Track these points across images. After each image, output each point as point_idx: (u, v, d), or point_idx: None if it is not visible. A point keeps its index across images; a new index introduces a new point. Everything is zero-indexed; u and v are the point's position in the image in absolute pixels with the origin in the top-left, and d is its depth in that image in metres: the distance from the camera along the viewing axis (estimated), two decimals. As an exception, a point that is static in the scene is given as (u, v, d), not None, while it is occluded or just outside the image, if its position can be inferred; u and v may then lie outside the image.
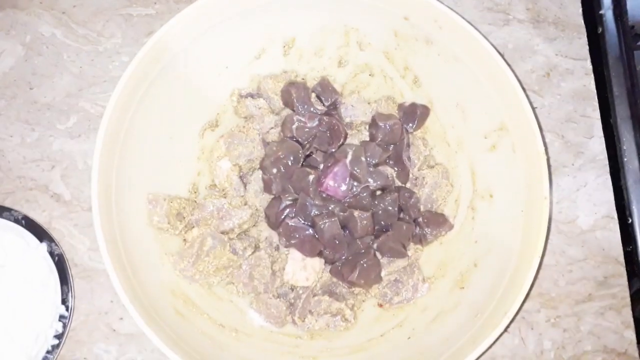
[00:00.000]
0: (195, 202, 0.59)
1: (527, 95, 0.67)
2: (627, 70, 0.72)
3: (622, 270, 0.64)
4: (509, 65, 0.52)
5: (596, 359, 0.61)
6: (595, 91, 0.70)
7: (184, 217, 0.56)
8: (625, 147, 0.69)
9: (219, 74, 0.59)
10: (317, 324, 0.56)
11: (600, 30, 0.74)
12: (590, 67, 0.71)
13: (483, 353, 0.47)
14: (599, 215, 0.66)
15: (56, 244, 0.56)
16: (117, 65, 0.67)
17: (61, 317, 0.54)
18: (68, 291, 0.55)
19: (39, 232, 0.56)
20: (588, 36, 0.72)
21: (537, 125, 0.49)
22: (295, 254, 0.57)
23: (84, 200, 0.62)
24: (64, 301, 0.55)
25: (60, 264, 0.55)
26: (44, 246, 0.56)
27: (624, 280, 0.64)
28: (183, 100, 0.58)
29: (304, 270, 0.56)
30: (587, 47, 0.72)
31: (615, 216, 0.66)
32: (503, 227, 0.53)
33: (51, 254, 0.56)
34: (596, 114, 0.69)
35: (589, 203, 0.66)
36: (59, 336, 0.54)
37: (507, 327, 0.51)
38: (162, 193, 0.56)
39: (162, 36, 0.52)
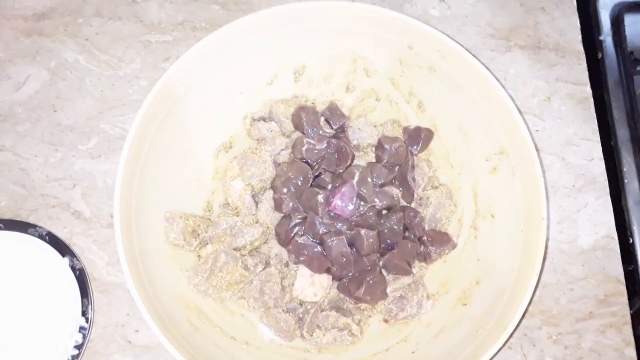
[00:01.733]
0: (210, 220, 0.62)
1: (527, 119, 0.71)
2: (626, 94, 0.75)
3: (623, 289, 0.66)
4: (507, 92, 0.55)
5: (597, 376, 0.64)
6: (595, 115, 0.73)
7: (199, 234, 0.59)
8: (625, 169, 0.71)
9: (233, 99, 0.63)
10: (324, 338, 0.59)
11: (600, 55, 0.77)
12: (590, 91, 0.74)
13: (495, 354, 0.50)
14: (599, 235, 0.68)
15: (77, 259, 0.60)
16: (136, 90, 0.71)
17: (81, 328, 0.57)
18: (88, 304, 0.58)
19: (62, 248, 0.60)
20: (587, 62, 0.76)
21: (535, 150, 0.52)
22: (304, 271, 0.60)
23: (103, 218, 0.66)
24: (84, 313, 0.58)
25: (81, 277, 0.59)
26: (66, 261, 0.59)
27: (624, 298, 0.66)
28: (199, 124, 0.61)
29: (312, 286, 0.59)
30: (587, 73, 0.75)
31: (616, 236, 0.68)
32: (503, 246, 0.56)
33: (72, 268, 0.59)
34: (596, 137, 0.72)
35: (589, 223, 0.69)
36: (78, 347, 0.57)
37: (507, 341, 0.53)
38: (178, 211, 0.59)
39: (180, 64, 0.55)
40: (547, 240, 0.53)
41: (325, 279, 0.60)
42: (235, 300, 0.61)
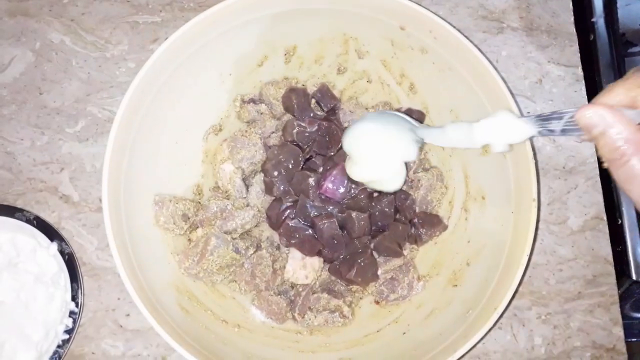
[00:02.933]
0: (200, 203, 0.62)
1: (519, 101, 0.71)
2: (618, 76, 0.75)
3: (611, 269, 0.67)
4: (499, 73, 0.55)
5: (585, 354, 0.64)
6: (586, 97, 0.73)
7: (189, 218, 0.59)
8: (615, 151, 0.72)
9: (223, 81, 0.62)
10: (316, 320, 0.59)
11: (592, 37, 0.77)
12: (582, 73, 0.74)
13: (474, 346, 0.50)
14: (589, 217, 0.69)
15: (66, 243, 0.59)
16: (123, 71, 0.70)
17: (71, 313, 0.57)
18: (78, 288, 0.58)
19: (50, 232, 0.59)
20: (579, 44, 0.75)
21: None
22: (295, 253, 0.60)
23: (92, 202, 0.65)
24: (73, 298, 0.57)
25: (71, 262, 0.58)
26: (54, 245, 0.59)
27: (612, 279, 0.67)
28: (188, 106, 0.60)
29: (304, 268, 0.59)
30: (579, 55, 0.75)
31: (605, 217, 0.69)
32: (494, 228, 0.56)
33: (62, 252, 0.58)
34: (587, 119, 0.72)
35: (579, 205, 0.69)
36: (69, 331, 0.57)
37: (497, 322, 0.54)
38: (168, 194, 0.58)
39: (169, 45, 0.54)
40: (538, 221, 0.53)
41: (316, 261, 0.60)
42: (227, 284, 0.61)
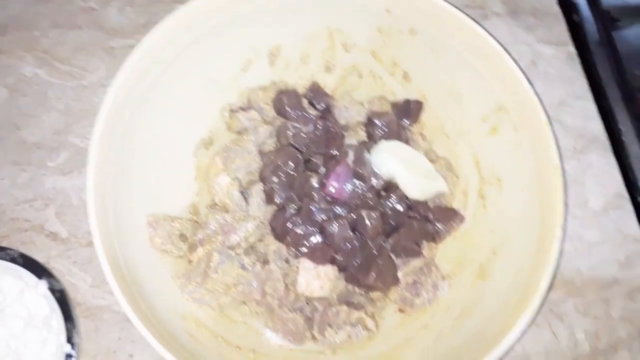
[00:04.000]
0: (197, 222, 0.57)
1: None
2: (610, 53, 0.73)
3: (644, 247, 0.63)
4: (497, 40, 0.52)
5: (633, 345, 0.59)
6: (583, 72, 0.71)
7: (187, 238, 0.54)
8: (623, 128, 0.69)
9: (207, 90, 0.59)
10: (337, 337, 0.53)
11: (576, 18, 0.76)
12: (574, 50, 0.72)
13: (519, 338, 0.45)
14: (610, 196, 0.65)
15: (56, 280, 0.53)
16: (103, 98, 0.66)
17: (67, 356, 0.51)
18: (73, 328, 0.52)
19: (37, 270, 0.54)
20: (567, 22, 0.74)
21: (536, 96, 0.49)
22: (306, 264, 0.55)
23: (82, 236, 0.60)
24: (69, 339, 0.51)
25: (63, 300, 0.52)
26: (43, 283, 0.53)
27: (647, 258, 0.62)
28: (172, 120, 0.56)
29: (318, 279, 0.54)
30: (568, 33, 0.73)
31: (626, 194, 0.65)
32: (518, 208, 0.52)
33: (52, 290, 0.53)
34: (589, 95, 0.69)
35: (597, 184, 0.65)
36: (66, 377, 0.51)
37: (536, 317, 0.48)
38: (162, 214, 0.54)
39: (137, 57, 0.50)
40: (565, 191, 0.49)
41: (330, 270, 0.55)
42: (236, 307, 0.55)
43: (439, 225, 0.57)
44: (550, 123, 0.51)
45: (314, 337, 0.54)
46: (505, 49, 0.52)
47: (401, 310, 0.56)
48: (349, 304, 0.55)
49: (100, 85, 0.67)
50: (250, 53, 0.59)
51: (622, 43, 0.74)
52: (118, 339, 0.56)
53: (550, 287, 0.47)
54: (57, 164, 0.63)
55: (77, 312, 0.56)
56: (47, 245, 0.59)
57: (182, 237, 0.53)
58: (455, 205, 0.59)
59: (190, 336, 0.49)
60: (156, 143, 0.55)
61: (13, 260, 0.54)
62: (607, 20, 0.75)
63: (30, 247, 0.59)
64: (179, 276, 0.52)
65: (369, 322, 0.54)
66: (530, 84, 0.50)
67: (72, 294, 0.57)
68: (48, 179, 0.62)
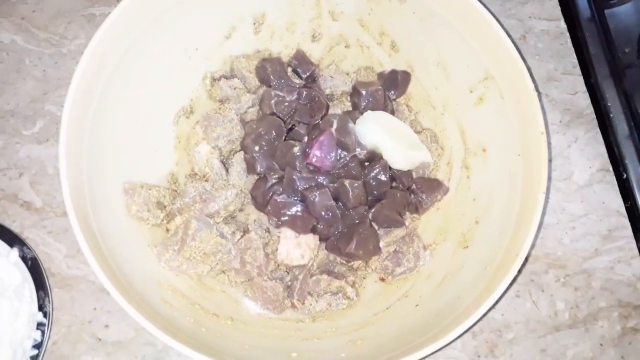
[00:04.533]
0: (176, 191, 0.55)
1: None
2: (600, 30, 0.72)
3: (626, 221, 0.62)
4: (488, 9, 0.50)
5: (612, 314, 0.59)
6: (572, 48, 0.70)
7: (165, 206, 0.53)
8: (609, 104, 0.68)
9: (190, 57, 0.57)
10: (317, 305, 0.53)
11: (568, -6, 0.75)
12: (565, 26, 0.71)
13: (500, 298, 0.44)
14: (594, 169, 0.64)
15: (28, 248, 0.52)
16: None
17: (39, 324, 0.50)
18: (45, 296, 0.50)
19: (9, 238, 0.52)
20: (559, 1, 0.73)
21: (523, 63, 0.48)
22: (287, 232, 0.53)
23: (57, 206, 0.58)
24: (41, 307, 0.50)
25: (35, 268, 0.51)
26: (15, 252, 0.52)
27: (628, 231, 0.62)
28: (152, 86, 0.54)
29: (298, 247, 0.53)
30: (559, 8, 0.72)
31: (610, 168, 0.65)
32: (501, 176, 0.51)
33: (24, 258, 0.51)
34: (577, 70, 0.68)
35: (582, 158, 0.65)
36: (37, 345, 0.49)
37: (513, 284, 0.47)
38: (140, 182, 0.52)
39: (118, 15, 0.48)
40: (550, 160, 0.48)
41: (311, 239, 0.54)
42: (215, 277, 0.54)
43: (422, 196, 0.56)
44: (538, 92, 0.50)
45: (293, 306, 0.53)
46: (498, 20, 0.50)
47: (382, 280, 0.55)
48: (330, 272, 0.54)
49: (80, 52, 0.63)
50: (234, 19, 0.57)
51: (613, 20, 0.73)
52: (93, 309, 0.55)
53: (528, 258, 0.46)
54: (33, 132, 0.61)
55: (52, 282, 0.55)
56: (20, 214, 0.58)
57: (160, 205, 0.52)
58: (440, 176, 0.58)
59: (166, 303, 0.48)
60: (134, 111, 0.53)
61: (-17, 228, 0.52)
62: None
63: (3, 217, 0.58)
64: (155, 244, 0.51)
65: (350, 291, 0.53)
66: (520, 53, 0.49)
67: (47, 264, 0.56)
68: (23, 148, 0.60)
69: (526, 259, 0.57)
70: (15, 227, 0.57)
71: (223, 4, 0.55)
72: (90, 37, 0.65)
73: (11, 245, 0.52)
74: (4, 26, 0.65)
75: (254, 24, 0.58)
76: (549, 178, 0.63)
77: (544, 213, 0.60)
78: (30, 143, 0.61)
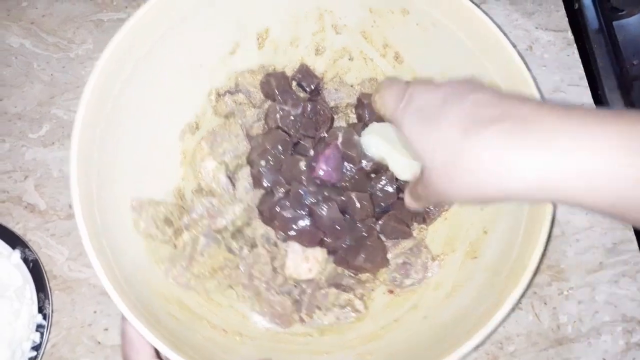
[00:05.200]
0: (183, 207, 0.54)
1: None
2: (608, 42, 0.71)
3: (631, 235, 0.61)
4: (491, 18, 0.50)
5: (616, 329, 0.58)
6: (579, 60, 0.69)
7: (172, 223, 0.51)
8: (617, 117, 0.67)
9: (194, 74, 0.55)
10: (326, 319, 0.52)
11: (576, 5, 0.74)
12: (572, 37, 0.70)
13: (509, 313, 0.42)
14: (600, 181, 0.64)
15: (30, 250, 0.52)
16: (89, 71, 0.62)
17: (39, 326, 0.49)
18: (45, 298, 0.50)
19: (12, 239, 0.52)
20: (566, 8, 0.72)
21: (529, 74, 0.47)
22: (294, 246, 0.52)
23: (61, 209, 0.58)
24: (41, 309, 0.50)
25: (36, 270, 0.51)
26: (17, 253, 0.51)
27: (634, 245, 0.61)
28: (158, 103, 0.53)
29: (306, 261, 0.51)
30: (567, 19, 0.71)
31: (616, 181, 0.64)
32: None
33: (25, 260, 0.51)
34: (584, 82, 0.67)
35: (587, 171, 0.64)
36: (36, 347, 0.49)
37: (525, 293, 0.46)
38: (147, 198, 0.51)
39: (126, 33, 0.47)
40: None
41: (319, 252, 0.52)
42: (222, 292, 0.53)
43: (429, 206, 0.55)
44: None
45: (301, 320, 0.52)
46: (502, 30, 0.50)
47: (390, 292, 0.54)
48: (338, 286, 0.53)
49: (87, 57, 0.64)
50: (238, 35, 0.56)
51: (621, 32, 0.72)
52: (94, 312, 0.55)
53: (536, 271, 0.45)
54: (39, 135, 0.61)
55: (53, 285, 0.55)
56: (24, 217, 0.58)
57: (167, 221, 0.51)
58: None
59: (171, 316, 0.47)
60: (141, 128, 0.52)
61: (-15, 229, 0.52)
62: (608, 9, 0.73)
63: (7, 219, 0.57)
64: (163, 261, 0.50)
65: (358, 304, 0.52)
66: (526, 64, 0.49)
67: (49, 267, 0.56)
68: (28, 151, 0.60)
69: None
70: (18, 229, 0.57)
71: (227, 20, 0.54)
72: (97, 42, 0.66)
73: (13, 246, 0.52)
74: (14, 30, 0.65)
75: (258, 39, 0.57)
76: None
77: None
78: (36, 146, 0.61)
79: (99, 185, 0.46)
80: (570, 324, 0.58)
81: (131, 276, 0.46)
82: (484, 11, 0.50)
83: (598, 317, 0.58)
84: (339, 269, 0.55)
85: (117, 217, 0.48)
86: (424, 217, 0.56)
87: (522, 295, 0.43)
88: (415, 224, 0.56)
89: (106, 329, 0.54)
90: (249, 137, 0.57)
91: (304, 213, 0.52)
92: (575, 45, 0.69)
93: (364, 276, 0.55)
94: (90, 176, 0.45)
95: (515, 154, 0.31)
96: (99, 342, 0.53)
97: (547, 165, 0.31)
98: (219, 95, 0.58)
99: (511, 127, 0.32)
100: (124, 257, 0.47)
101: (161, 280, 0.50)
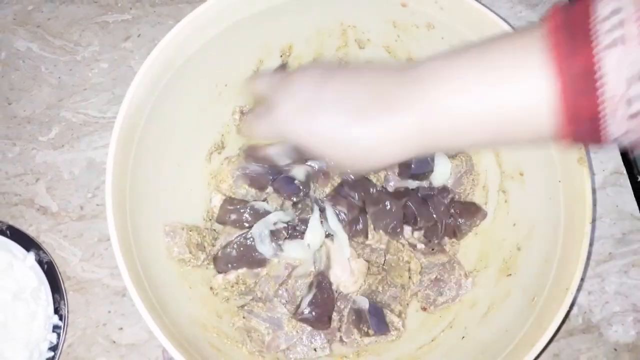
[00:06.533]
0: (215, 230, 0.52)
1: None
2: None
3: (640, 224, 0.61)
4: (497, 14, 0.49)
5: (627, 319, 0.57)
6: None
7: (205, 248, 0.50)
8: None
9: (220, 93, 0.53)
10: (366, 338, 0.50)
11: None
12: (576, 28, 0.69)
13: (552, 339, 0.41)
14: (608, 172, 0.62)
15: (44, 252, 0.51)
16: (96, 72, 0.63)
17: (55, 327, 0.49)
18: (60, 299, 0.50)
19: (26, 242, 0.51)
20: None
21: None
22: (340, 259, 0.52)
23: (72, 210, 0.57)
24: (56, 310, 0.50)
25: (51, 272, 0.50)
26: (31, 256, 0.51)
27: (643, 234, 0.60)
28: (186, 125, 0.51)
29: (352, 275, 0.51)
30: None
31: (624, 171, 0.63)
32: (541, 203, 0.47)
33: (40, 262, 0.51)
34: (589, 74, 0.67)
35: (595, 161, 0.62)
36: (53, 348, 0.49)
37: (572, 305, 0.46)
38: (179, 223, 0.49)
39: (154, 59, 0.45)
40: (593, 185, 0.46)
41: (362, 264, 0.52)
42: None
43: (461, 220, 0.53)
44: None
45: (341, 340, 0.50)
46: (506, 20, 0.49)
47: (424, 309, 0.52)
48: (375, 302, 0.52)
49: (94, 60, 0.63)
50: (262, 52, 0.53)
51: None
52: (108, 312, 0.54)
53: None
54: (49, 138, 0.60)
55: (67, 285, 0.54)
56: (37, 219, 0.56)
57: (200, 246, 0.49)
58: (476, 200, 0.55)
59: (211, 346, 0.46)
60: (171, 145, 0.50)
61: (2, 232, 0.51)
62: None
63: (20, 221, 0.56)
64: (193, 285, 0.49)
65: (396, 321, 0.50)
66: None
67: (62, 268, 0.54)
68: (39, 153, 0.59)
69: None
70: (31, 232, 0.56)
71: (252, 39, 0.51)
72: (103, 44, 0.65)
73: (27, 249, 0.51)
74: (20, 34, 0.64)
75: (281, 56, 0.54)
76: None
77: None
78: (46, 149, 0.60)
79: (133, 217, 0.45)
80: (581, 314, 0.57)
81: (170, 306, 0.44)
82: (507, 22, 0.49)
83: (608, 308, 0.57)
84: (374, 285, 0.53)
85: (151, 245, 0.47)
86: (455, 231, 0.54)
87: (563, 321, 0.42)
88: (446, 238, 0.54)
89: (121, 328, 0.54)
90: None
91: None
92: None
93: (397, 291, 0.53)
94: (125, 212, 0.44)
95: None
96: (114, 342, 0.53)
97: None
98: (242, 113, 0.55)
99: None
100: (162, 287, 0.45)
101: (197, 308, 0.49)
